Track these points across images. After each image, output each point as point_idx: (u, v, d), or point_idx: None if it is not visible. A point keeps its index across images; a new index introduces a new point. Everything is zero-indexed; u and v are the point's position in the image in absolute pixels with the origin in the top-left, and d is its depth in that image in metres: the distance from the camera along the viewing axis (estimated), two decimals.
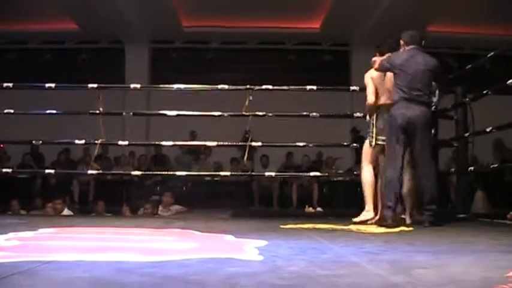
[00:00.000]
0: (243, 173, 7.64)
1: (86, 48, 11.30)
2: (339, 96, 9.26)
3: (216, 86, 5.79)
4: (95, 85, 5.81)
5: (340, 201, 8.57)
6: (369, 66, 5.16)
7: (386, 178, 4.68)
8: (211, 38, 10.77)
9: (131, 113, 7.12)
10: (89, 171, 6.81)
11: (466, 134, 5.70)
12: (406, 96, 4.66)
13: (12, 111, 6.10)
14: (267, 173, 7.53)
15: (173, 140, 6.44)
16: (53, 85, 5.89)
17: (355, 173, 8.93)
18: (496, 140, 9.08)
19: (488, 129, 5.32)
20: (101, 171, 7.50)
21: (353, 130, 9.40)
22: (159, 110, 6.51)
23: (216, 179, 8.53)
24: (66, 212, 7.47)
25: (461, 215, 5.67)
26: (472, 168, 5.85)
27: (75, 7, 9.45)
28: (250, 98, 5.62)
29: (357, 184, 8.90)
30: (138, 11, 9.70)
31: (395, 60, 4.79)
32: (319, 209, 8.46)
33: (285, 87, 6.13)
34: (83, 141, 6.12)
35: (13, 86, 6.05)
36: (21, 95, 7.78)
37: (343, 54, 11.47)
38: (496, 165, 6.03)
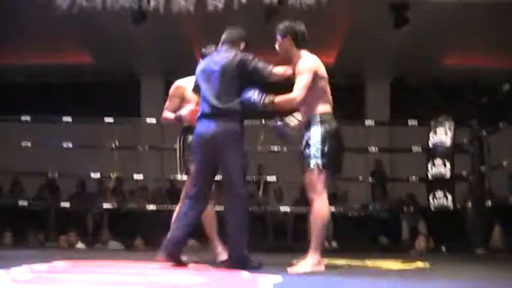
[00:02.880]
0: (257, 208, 7.60)
1: (101, 81, 11.41)
2: (353, 130, 9.25)
3: None
4: (111, 119, 5.86)
5: (355, 236, 8.49)
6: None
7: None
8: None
9: (146, 147, 7.14)
10: (104, 205, 6.82)
11: (482, 168, 5.66)
12: (205, 110, 3.86)
13: (29, 144, 6.16)
14: (282, 208, 7.50)
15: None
16: (69, 119, 5.95)
17: (370, 207, 8.90)
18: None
19: (505, 163, 5.28)
20: (115, 205, 7.51)
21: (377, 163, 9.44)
22: (175, 142, 6.53)
23: None
24: (79, 245, 7.47)
25: (479, 250, 5.60)
26: (489, 202, 5.80)
27: (92, 42, 9.58)
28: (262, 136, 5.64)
29: (372, 218, 8.91)
30: (154, 45, 9.80)
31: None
32: (334, 243, 8.38)
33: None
34: (98, 175, 6.15)
35: (31, 119, 6.13)
36: (39, 128, 7.85)
37: (358, 87, 11.48)
38: None
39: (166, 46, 9.84)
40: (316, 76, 3.90)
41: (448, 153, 5.81)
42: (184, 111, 4.31)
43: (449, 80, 10.69)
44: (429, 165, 5.93)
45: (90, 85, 11.28)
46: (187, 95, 4.40)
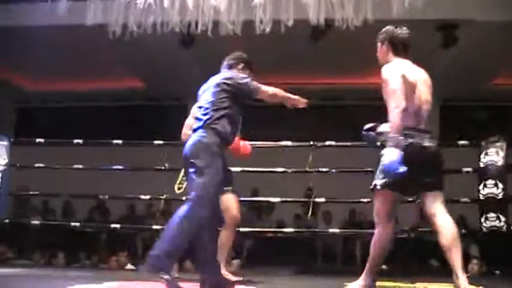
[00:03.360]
0: (306, 230, 7.58)
1: (150, 105, 11.61)
2: None
3: (279, 143, 5.83)
4: (161, 142, 5.95)
5: (404, 259, 8.35)
6: None
7: None
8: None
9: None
10: (154, 227, 6.90)
11: None
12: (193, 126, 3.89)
13: (81, 166, 6.29)
14: (331, 230, 7.46)
15: (236, 195, 6.43)
16: (120, 141, 6.07)
17: (419, 229, 8.75)
18: None
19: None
20: (164, 227, 7.58)
21: None
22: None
23: (279, 235, 8.49)
24: (129, 266, 7.56)
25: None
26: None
27: (141, 67, 9.78)
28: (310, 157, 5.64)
29: (422, 241, 8.74)
30: (201, 69, 9.94)
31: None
32: (383, 266, 8.27)
33: (348, 143, 6.12)
34: (148, 197, 6.24)
35: (83, 142, 6.27)
36: (89, 151, 8.02)
37: None
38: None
39: (212, 70, 9.96)
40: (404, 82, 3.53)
41: (500, 174, 5.71)
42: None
43: (499, 100, 10.51)
44: (481, 186, 5.83)
45: (140, 109, 11.51)
46: None
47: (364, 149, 6.93)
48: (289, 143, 5.74)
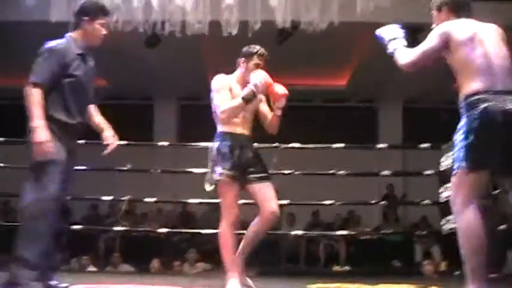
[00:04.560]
0: (269, 232, 7.56)
1: (114, 104, 11.49)
2: (366, 153, 9.23)
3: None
4: (124, 142, 5.88)
5: (367, 260, 8.44)
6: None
7: None
8: None
9: (159, 170, 7.15)
10: (116, 228, 6.84)
11: (496, 191, 5.61)
12: None
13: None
14: (293, 232, 7.50)
15: (201, 196, 6.40)
16: (82, 141, 5.97)
17: (382, 232, 8.85)
18: None
19: None
20: (127, 228, 7.52)
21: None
22: (189, 165, 6.56)
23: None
24: (90, 268, 7.47)
25: (492, 276, 5.54)
26: (503, 226, 5.75)
27: (106, 65, 9.66)
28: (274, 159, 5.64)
29: (385, 242, 8.85)
30: (168, 68, 9.88)
31: None
32: (346, 267, 8.34)
33: (311, 146, 6.14)
34: (110, 198, 6.17)
35: None
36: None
37: (371, 110, 11.49)
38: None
39: (180, 70, 9.92)
40: (449, 42, 3.04)
41: None
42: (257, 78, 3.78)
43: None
44: (441, 189, 5.90)
45: (104, 108, 11.35)
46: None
47: (327, 150, 7.01)
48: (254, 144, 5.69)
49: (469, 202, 2.91)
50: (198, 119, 11.47)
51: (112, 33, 7.14)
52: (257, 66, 3.87)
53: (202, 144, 6.15)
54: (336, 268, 8.26)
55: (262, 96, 4.01)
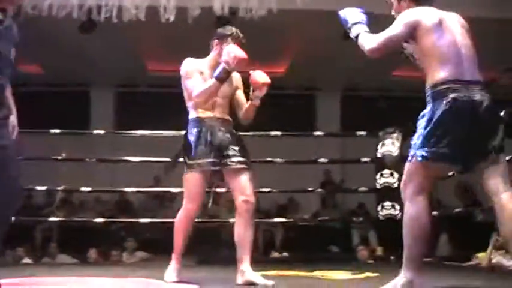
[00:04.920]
0: (207, 220, 7.55)
1: (50, 91, 11.20)
2: (304, 141, 9.31)
3: (180, 132, 5.76)
4: (58, 130, 5.74)
5: (305, 246, 8.53)
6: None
7: None
8: (178, 82, 10.77)
9: (94, 159, 6.99)
10: (51, 218, 6.69)
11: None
12: None
13: None
14: (231, 220, 7.48)
15: (138, 185, 6.35)
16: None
17: (319, 219, 8.96)
18: (458, 182, 9.13)
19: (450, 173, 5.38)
20: (62, 218, 7.36)
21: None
22: (126, 154, 6.48)
23: None
24: (26, 260, 7.29)
25: (426, 259, 5.69)
26: (435, 213, 5.91)
27: (40, 52, 9.41)
28: None
29: (323, 228, 8.97)
30: (105, 55, 9.69)
31: None
32: (284, 253, 8.41)
33: (250, 133, 6.14)
34: (44, 188, 6.02)
35: None
36: None
37: (309, 97, 11.59)
38: (460, 210, 6.10)
39: (117, 57, 9.74)
40: (416, 29, 2.95)
41: (396, 164, 5.91)
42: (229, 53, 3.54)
43: (399, 91, 10.88)
44: (377, 176, 6.03)
45: (39, 95, 11.07)
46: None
47: (265, 138, 7.02)
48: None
49: (420, 192, 2.85)
50: (135, 106, 11.37)
51: (46, 18, 6.98)
52: None
53: (139, 132, 6.08)
54: (274, 255, 8.33)
55: (239, 82, 3.88)
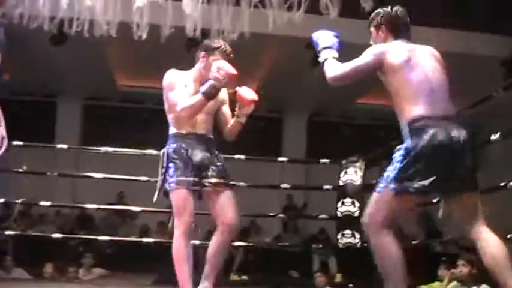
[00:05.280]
0: (166, 241, 7.50)
1: (16, 100, 11.06)
2: (269, 165, 9.34)
3: (143, 151, 5.72)
4: (20, 143, 5.65)
5: (266, 270, 8.52)
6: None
7: None
8: (147, 98, 10.76)
9: (56, 173, 6.88)
10: (7, 232, 6.56)
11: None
12: None
13: None
14: (192, 241, 7.42)
15: (100, 200, 6.28)
16: None
17: (279, 243, 8.94)
18: (420, 211, 9.22)
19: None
20: (19, 232, 7.23)
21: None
22: (90, 168, 6.43)
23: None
24: None
25: None
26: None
27: (9, 60, 9.30)
28: None
29: (283, 252, 8.98)
30: (74, 67, 9.63)
31: None
32: (244, 276, 8.39)
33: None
34: (2, 200, 5.90)
35: None
36: None
37: (276, 122, 11.66)
38: (417, 242, 6.15)
39: (86, 70, 9.70)
40: (383, 64, 2.95)
41: (358, 193, 5.96)
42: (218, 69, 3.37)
43: (363, 119, 11.03)
44: (339, 204, 6.06)
45: (3, 103, 10.90)
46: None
47: (230, 161, 7.01)
48: (153, 152, 5.57)
49: (388, 223, 2.84)
50: (102, 120, 11.29)
51: (17, 26, 6.91)
52: None
53: (103, 149, 6.03)
54: (234, 277, 8.30)
55: (225, 97, 3.65)
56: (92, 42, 7.42)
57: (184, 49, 7.66)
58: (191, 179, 3.40)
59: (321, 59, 3.10)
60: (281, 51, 8.73)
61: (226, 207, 3.47)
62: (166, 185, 3.44)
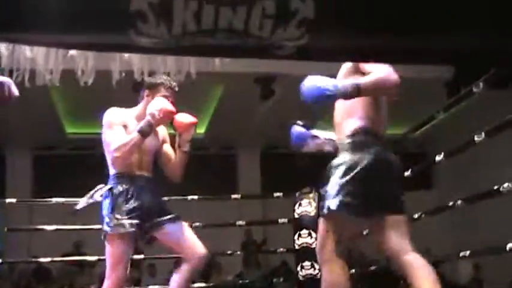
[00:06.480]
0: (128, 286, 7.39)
1: None
2: (225, 202, 9.29)
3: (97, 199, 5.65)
4: None
5: None
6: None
7: None
8: (97, 144, 10.61)
9: (5, 229, 6.70)
10: None
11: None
12: None
13: None
14: (151, 287, 7.30)
15: (57, 251, 6.14)
16: None
17: (240, 282, 8.89)
18: None
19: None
20: None
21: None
22: (44, 220, 6.32)
23: None
24: None
25: None
26: (353, 270, 5.98)
27: None
28: None
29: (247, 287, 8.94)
30: (20, 118, 9.49)
31: None
32: None
33: (166, 198, 6.09)
34: None
35: None
36: None
37: (230, 158, 11.68)
38: (374, 268, 6.16)
39: (33, 119, 9.56)
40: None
41: (313, 224, 5.98)
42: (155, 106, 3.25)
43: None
44: (296, 237, 6.06)
45: None
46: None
47: (184, 201, 6.98)
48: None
49: (335, 251, 2.78)
50: (53, 170, 11.09)
51: None
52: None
53: (54, 199, 5.93)
54: None
55: (165, 135, 3.52)
56: (36, 91, 7.34)
57: (131, 92, 7.65)
58: (136, 221, 3.21)
59: (344, 88, 2.65)
60: (229, 87, 8.80)
61: (193, 242, 3.35)
62: (104, 225, 3.24)
